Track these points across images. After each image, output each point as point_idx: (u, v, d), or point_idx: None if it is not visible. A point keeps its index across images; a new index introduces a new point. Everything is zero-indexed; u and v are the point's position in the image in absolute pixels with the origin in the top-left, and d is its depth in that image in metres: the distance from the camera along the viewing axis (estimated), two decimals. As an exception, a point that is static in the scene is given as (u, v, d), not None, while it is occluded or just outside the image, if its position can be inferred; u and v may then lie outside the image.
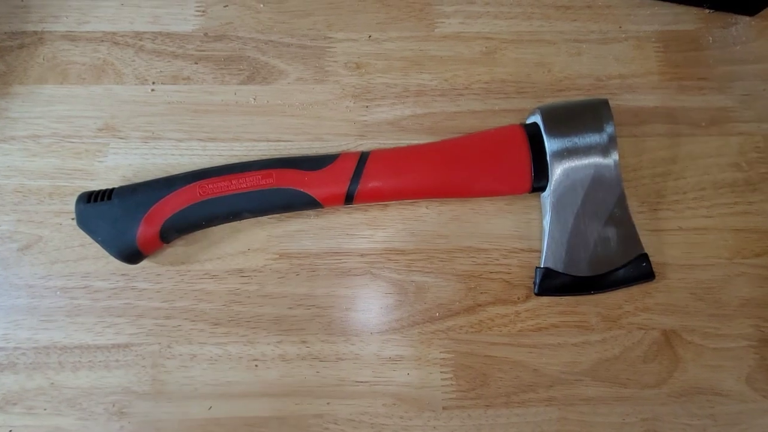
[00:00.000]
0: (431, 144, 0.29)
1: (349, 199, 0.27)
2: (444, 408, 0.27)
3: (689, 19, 0.34)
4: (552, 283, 0.28)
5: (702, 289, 0.29)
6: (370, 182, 0.27)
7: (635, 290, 0.29)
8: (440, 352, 0.28)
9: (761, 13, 0.34)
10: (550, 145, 0.28)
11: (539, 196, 0.30)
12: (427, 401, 0.27)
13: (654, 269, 0.28)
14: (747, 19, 0.34)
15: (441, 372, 0.28)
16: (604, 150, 0.28)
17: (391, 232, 0.30)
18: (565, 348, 0.28)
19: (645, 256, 0.28)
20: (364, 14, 0.34)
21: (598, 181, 0.28)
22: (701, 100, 0.33)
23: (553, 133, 0.28)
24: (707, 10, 0.34)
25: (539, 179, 0.28)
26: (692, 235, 0.30)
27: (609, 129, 0.28)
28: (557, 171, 0.28)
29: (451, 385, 0.27)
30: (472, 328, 0.28)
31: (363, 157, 0.27)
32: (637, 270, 0.28)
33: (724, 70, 0.33)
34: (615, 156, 0.28)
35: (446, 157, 0.28)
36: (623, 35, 0.34)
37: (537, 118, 0.29)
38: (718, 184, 0.31)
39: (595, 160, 0.28)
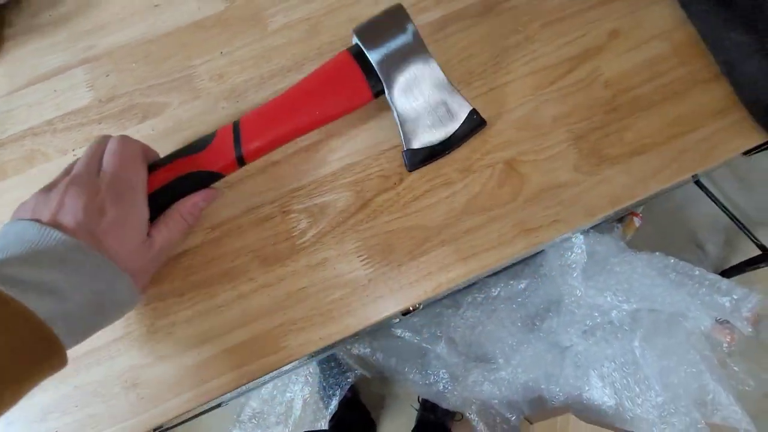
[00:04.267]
0: (284, 94, 0.35)
1: (240, 161, 0.35)
2: (369, 281, 0.35)
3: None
4: (416, 158, 0.37)
5: (522, 122, 0.38)
6: (250, 143, 0.34)
7: (475, 142, 0.38)
8: (353, 244, 0.36)
9: None
10: (372, 55, 0.34)
11: (385, 99, 0.38)
12: (356, 280, 0.35)
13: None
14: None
15: (358, 257, 0.36)
16: (414, 44, 0.34)
17: (288, 178, 0.38)
18: (440, 203, 0.36)
19: (474, 110, 0.37)
20: (211, 39, 0.43)
21: (420, 71, 0.36)
22: (474, -3, 0.42)
23: (370, 45, 0.34)
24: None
25: (375, 86, 0.35)
26: (502, 89, 0.39)
27: (410, 26, 0.34)
28: (386, 73, 0.35)
29: (369, 262, 0.35)
30: (369, 218, 0.36)
31: (236, 125, 0.34)
32: (472, 123, 0.37)
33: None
34: (425, 47, 0.34)
35: (299, 98, 0.35)
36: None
37: (355, 39, 0.35)
38: (506, 48, 0.40)
39: (411, 54, 0.34)
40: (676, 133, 0.37)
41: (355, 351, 1.07)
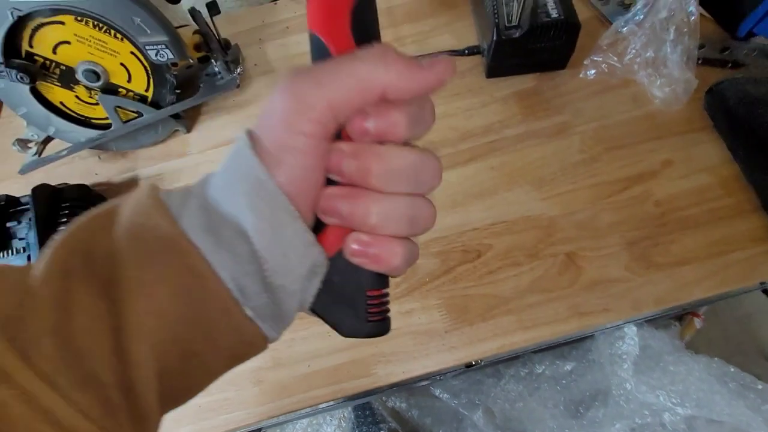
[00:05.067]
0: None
1: None
2: (446, 332, 0.44)
3: (530, 80, 0.58)
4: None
5: (582, 224, 0.47)
6: None
7: (542, 234, 0.47)
8: (435, 301, 0.46)
9: (568, 66, 0.57)
10: None
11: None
12: (435, 330, 0.44)
13: (546, 222, 0.47)
14: (563, 71, 0.58)
15: (438, 312, 0.45)
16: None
17: (389, 241, 0.50)
18: (509, 279, 0.46)
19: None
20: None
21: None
22: (549, 120, 0.54)
23: None
24: (538, 73, 0.58)
25: None
26: (568, 194, 0.49)
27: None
28: None
29: (447, 317, 0.45)
30: (450, 282, 0.46)
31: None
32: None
33: (559, 101, 0.56)
34: None
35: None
36: (493, 100, 0.57)
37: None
38: (574, 164, 0.51)
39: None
40: (718, 251, 0.44)
41: (390, 404, 1.10)
